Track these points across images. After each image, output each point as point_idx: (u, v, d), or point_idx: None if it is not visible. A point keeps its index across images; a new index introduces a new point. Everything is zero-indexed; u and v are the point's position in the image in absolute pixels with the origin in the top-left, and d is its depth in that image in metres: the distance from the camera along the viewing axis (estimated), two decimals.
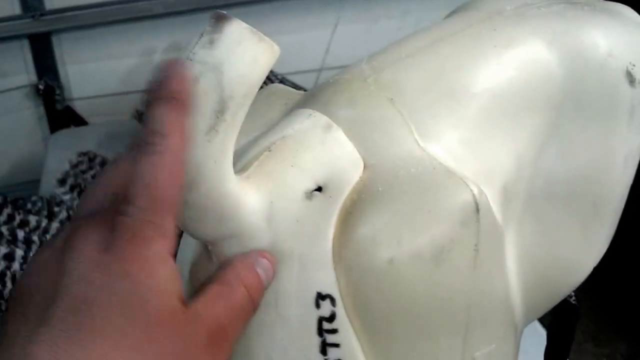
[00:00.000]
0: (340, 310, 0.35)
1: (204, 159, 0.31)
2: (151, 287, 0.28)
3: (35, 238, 0.90)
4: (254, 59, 0.31)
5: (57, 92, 1.42)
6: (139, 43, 1.43)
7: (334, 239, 0.35)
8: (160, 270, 0.28)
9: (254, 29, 0.31)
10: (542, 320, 0.48)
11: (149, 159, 0.29)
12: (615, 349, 1.56)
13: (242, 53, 0.30)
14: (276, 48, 0.31)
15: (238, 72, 0.30)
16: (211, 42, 0.30)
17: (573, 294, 0.44)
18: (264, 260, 0.34)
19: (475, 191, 0.35)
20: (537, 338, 0.53)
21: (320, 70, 1.51)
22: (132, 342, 0.27)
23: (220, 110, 0.30)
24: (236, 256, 0.34)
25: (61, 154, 1.15)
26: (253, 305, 0.33)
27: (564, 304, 0.43)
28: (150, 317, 0.27)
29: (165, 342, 0.28)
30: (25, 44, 1.40)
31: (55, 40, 1.42)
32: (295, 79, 1.33)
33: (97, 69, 1.45)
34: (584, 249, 0.41)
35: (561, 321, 0.46)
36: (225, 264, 0.33)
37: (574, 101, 0.40)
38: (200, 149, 0.31)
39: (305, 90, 0.45)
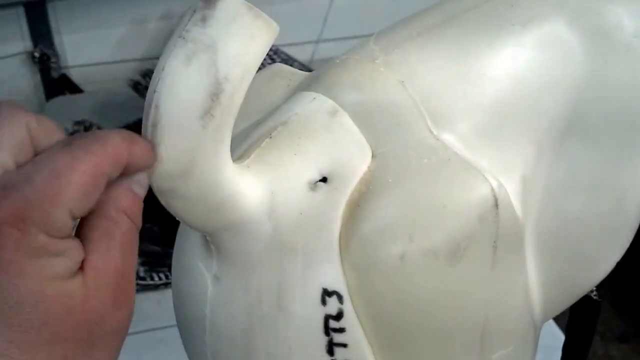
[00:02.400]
0: (348, 308, 0.34)
1: (199, 145, 0.30)
2: (34, 276, 0.26)
3: None
4: (250, 37, 0.29)
5: (53, 59, 1.42)
6: (134, 11, 1.43)
7: (340, 232, 0.34)
8: (43, 256, 0.27)
9: (250, 5, 0.29)
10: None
11: (74, 151, 0.27)
12: (609, 326, 1.56)
13: (237, 31, 0.28)
14: (274, 25, 0.29)
15: (233, 52, 0.28)
16: (204, 20, 0.28)
17: (595, 289, 0.42)
18: (140, 177, 0.30)
19: (494, 184, 0.33)
20: (551, 335, 0.52)
21: (317, 42, 1.48)
22: (28, 335, 0.26)
23: (216, 93, 0.28)
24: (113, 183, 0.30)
25: (57, 121, 1.15)
26: (137, 230, 0.30)
27: (585, 299, 0.41)
28: (38, 305, 0.26)
29: (63, 321, 0.27)
30: (21, 11, 1.40)
31: (50, 7, 1.42)
32: (290, 51, 1.30)
33: (93, 36, 1.44)
34: (607, 243, 0.39)
35: (582, 317, 0.44)
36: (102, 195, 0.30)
37: (598, 86, 0.37)
38: (194, 135, 0.29)
39: (303, 66, 0.43)
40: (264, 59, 0.30)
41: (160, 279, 0.84)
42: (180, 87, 0.28)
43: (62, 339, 0.27)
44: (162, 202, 0.31)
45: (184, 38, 0.28)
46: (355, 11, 1.43)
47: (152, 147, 0.29)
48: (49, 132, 0.29)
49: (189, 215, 0.32)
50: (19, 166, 0.27)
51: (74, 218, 0.27)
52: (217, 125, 0.29)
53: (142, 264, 0.84)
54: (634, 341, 1.54)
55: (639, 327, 1.56)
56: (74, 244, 0.28)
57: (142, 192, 0.30)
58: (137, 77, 1.38)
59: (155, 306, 0.80)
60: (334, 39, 1.42)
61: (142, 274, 0.83)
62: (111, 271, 0.29)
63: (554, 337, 0.50)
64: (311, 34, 1.47)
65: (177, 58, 0.28)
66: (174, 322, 0.41)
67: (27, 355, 0.26)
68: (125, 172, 0.29)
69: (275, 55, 1.26)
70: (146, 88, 0.96)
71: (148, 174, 0.30)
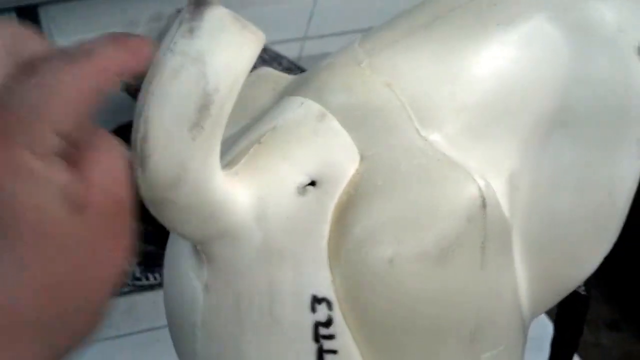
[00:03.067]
0: (337, 315, 0.34)
1: (189, 157, 0.29)
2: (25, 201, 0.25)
3: None
4: (238, 48, 0.28)
5: None
6: (125, 13, 1.42)
7: (329, 237, 0.34)
8: (25, 177, 0.25)
9: (237, 15, 0.29)
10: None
11: (63, 62, 0.26)
12: (599, 315, 1.57)
13: (225, 42, 0.28)
14: (261, 35, 0.29)
15: (222, 63, 0.28)
16: (191, 31, 0.28)
17: (582, 284, 0.42)
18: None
19: (482, 184, 0.33)
20: (542, 329, 0.52)
21: (304, 39, 1.48)
22: (17, 256, 0.24)
23: (205, 105, 0.28)
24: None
25: None
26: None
27: (573, 295, 0.41)
28: (20, 233, 0.25)
29: (56, 250, 0.25)
30: (13, 16, 1.39)
31: (42, 11, 1.40)
32: (278, 48, 1.31)
33: (85, 40, 1.44)
34: (594, 239, 0.39)
35: (570, 313, 0.44)
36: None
37: (582, 81, 0.37)
38: (184, 147, 0.29)
39: (292, 62, 0.44)
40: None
41: (155, 279, 0.84)
42: (169, 100, 0.28)
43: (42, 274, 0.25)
44: (153, 212, 0.31)
45: (171, 50, 0.28)
46: (340, 8, 1.44)
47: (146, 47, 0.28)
48: (39, 41, 0.28)
49: (180, 225, 0.32)
50: (5, 76, 0.26)
51: (60, 135, 0.26)
52: (206, 136, 0.29)
53: (138, 264, 0.84)
54: (624, 329, 1.55)
55: (628, 315, 1.57)
56: (60, 167, 0.26)
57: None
58: (131, 81, 1.37)
59: (152, 306, 0.80)
60: (320, 36, 1.43)
61: (137, 274, 0.83)
62: (103, 196, 0.27)
63: (544, 329, 0.50)
64: (298, 32, 1.47)
65: (166, 71, 0.28)
66: None
67: None
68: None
69: (264, 53, 1.26)
70: (136, 90, 0.95)
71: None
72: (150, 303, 0.80)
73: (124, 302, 0.78)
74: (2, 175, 0.24)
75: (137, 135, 0.29)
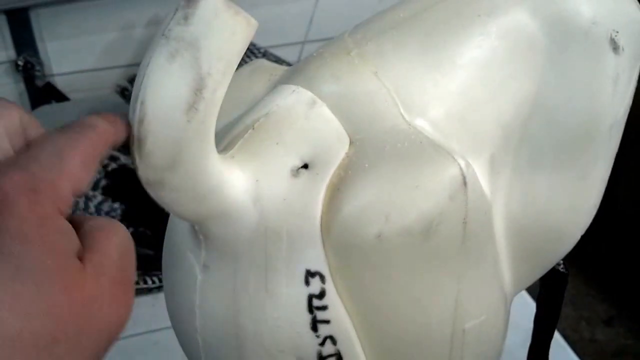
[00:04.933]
0: (330, 287, 0.35)
1: (185, 138, 0.31)
2: (42, 246, 0.26)
3: None
4: (231, 34, 0.30)
5: (37, 68, 1.38)
6: (119, 17, 1.41)
7: (322, 216, 0.35)
8: (52, 229, 0.27)
9: (229, 2, 0.30)
10: (530, 290, 0.48)
11: (70, 134, 0.28)
12: (594, 311, 1.58)
13: (218, 28, 0.29)
14: (253, 21, 0.31)
15: (215, 48, 0.30)
16: (186, 18, 0.29)
17: (562, 261, 0.44)
18: None
19: (463, 164, 0.34)
20: (526, 308, 0.53)
21: (303, 42, 1.49)
22: (26, 303, 0.25)
23: (199, 88, 0.30)
24: None
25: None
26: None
27: (553, 272, 0.43)
28: (41, 276, 0.26)
29: (61, 299, 0.26)
30: (3, 19, 1.36)
31: (33, 15, 1.39)
32: (278, 52, 1.31)
33: (77, 44, 1.41)
34: (572, 218, 0.41)
35: (550, 289, 0.46)
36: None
37: (558, 70, 0.39)
38: (180, 129, 0.30)
39: (289, 65, 0.45)
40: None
41: (153, 282, 0.83)
42: (164, 84, 0.29)
43: (54, 315, 0.26)
44: (151, 194, 0.32)
45: (167, 36, 0.29)
46: (339, 13, 1.44)
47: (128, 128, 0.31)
48: (37, 126, 0.30)
49: (177, 206, 0.33)
50: (17, 152, 0.28)
51: (74, 195, 0.28)
52: (201, 118, 0.30)
53: (136, 267, 0.84)
54: (619, 325, 1.56)
55: (623, 312, 1.58)
56: (71, 228, 0.28)
57: None
58: (124, 83, 1.36)
59: (150, 309, 0.79)
60: (320, 40, 1.43)
61: (135, 278, 0.83)
62: (111, 266, 0.29)
63: (527, 306, 0.52)
64: (298, 36, 1.48)
65: (161, 56, 0.29)
66: (168, 324, 0.42)
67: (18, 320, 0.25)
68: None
69: (265, 57, 1.26)
70: None
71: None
72: (148, 306, 0.79)
73: None
74: (30, 228, 0.26)
75: (134, 117, 0.30)
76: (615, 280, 1.58)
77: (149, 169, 0.31)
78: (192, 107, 0.30)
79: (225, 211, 0.34)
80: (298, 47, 1.48)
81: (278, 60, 1.28)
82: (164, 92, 0.30)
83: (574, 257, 0.43)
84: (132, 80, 1.37)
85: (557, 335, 0.70)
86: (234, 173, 0.34)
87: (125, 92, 1.36)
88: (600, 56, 0.39)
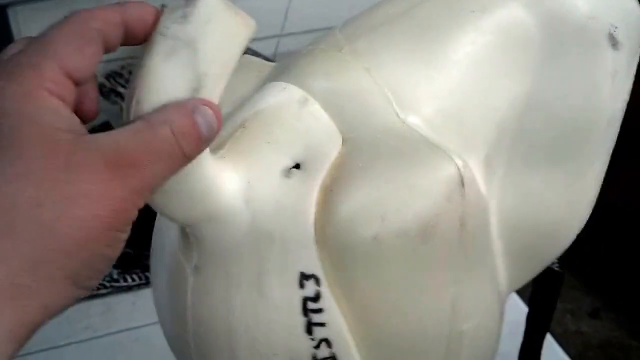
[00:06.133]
0: (325, 290, 0.35)
1: None
2: (20, 118, 0.26)
3: None
4: (229, 34, 0.29)
5: None
6: None
7: (315, 217, 0.34)
8: (32, 105, 0.27)
9: (229, 2, 0.29)
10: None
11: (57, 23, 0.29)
12: (579, 303, 1.59)
13: (216, 28, 0.29)
14: (252, 22, 0.30)
15: (213, 48, 0.29)
16: (184, 17, 0.29)
17: (556, 260, 0.44)
18: (206, 109, 0.29)
19: (460, 164, 0.34)
20: (515, 308, 0.53)
21: (279, 36, 1.48)
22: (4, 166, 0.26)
23: (195, 88, 0.29)
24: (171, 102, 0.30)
25: None
26: (182, 152, 0.29)
27: (548, 270, 0.42)
28: (19, 142, 0.26)
29: (44, 168, 0.26)
30: None
31: (11, 12, 1.37)
32: (254, 46, 1.30)
33: None
34: (568, 215, 0.41)
35: (544, 288, 0.45)
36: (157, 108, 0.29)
37: (554, 66, 0.39)
38: None
39: (267, 59, 0.44)
40: None
41: (133, 280, 0.84)
42: (160, 83, 0.29)
43: (33, 178, 0.26)
44: None
45: (164, 35, 0.29)
46: (315, 5, 1.44)
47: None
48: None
49: (169, 209, 0.32)
50: None
51: (69, 76, 0.28)
52: None
53: (115, 266, 0.84)
54: (604, 317, 1.58)
55: (608, 304, 1.59)
56: (63, 105, 0.28)
57: (203, 124, 0.29)
58: (102, 80, 1.35)
59: (130, 307, 0.79)
60: (296, 33, 1.43)
61: (115, 276, 0.83)
62: (110, 146, 0.27)
63: (519, 311, 0.51)
64: (273, 29, 1.47)
65: (158, 54, 0.29)
66: (149, 321, 0.41)
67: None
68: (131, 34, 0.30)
69: (252, 56, 1.25)
70: (111, 90, 0.95)
71: (218, 116, 0.30)
72: (128, 304, 0.80)
73: (101, 303, 0.78)
74: (39, 92, 0.27)
75: (128, 116, 0.29)
76: (600, 273, 1.60)
77: None
78: None
79: (217, 213, 0.34)
80: (274, 41, 1.48)
81: (255, 54, 1.27)
82: (159, 91, 0.29)
83: None
84: (109, 76, 1.36)
85: None
86: (225, 174, 0.33)
87: (103, 89, 1.35)
88: (598, 51, 0.38)
